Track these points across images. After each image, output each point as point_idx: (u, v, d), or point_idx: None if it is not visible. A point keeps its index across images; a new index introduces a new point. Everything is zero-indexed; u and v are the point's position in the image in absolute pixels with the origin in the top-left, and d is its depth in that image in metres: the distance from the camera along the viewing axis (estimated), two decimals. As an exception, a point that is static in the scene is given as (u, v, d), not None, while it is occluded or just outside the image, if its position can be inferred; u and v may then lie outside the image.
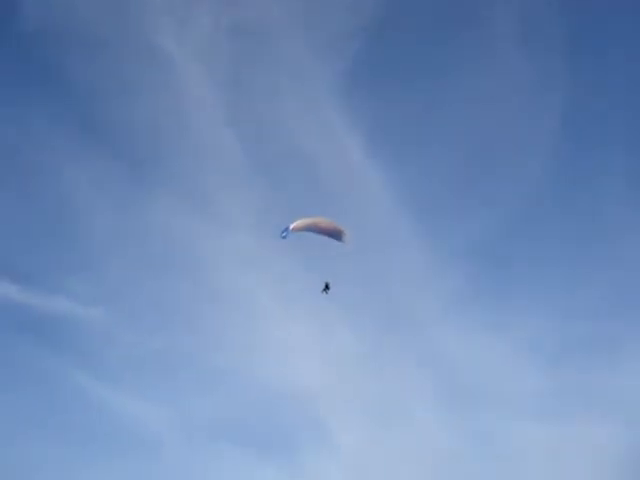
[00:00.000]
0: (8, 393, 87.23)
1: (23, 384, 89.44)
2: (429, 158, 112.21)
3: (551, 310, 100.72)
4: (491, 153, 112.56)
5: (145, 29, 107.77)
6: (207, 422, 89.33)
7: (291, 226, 38.59)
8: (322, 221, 39.14)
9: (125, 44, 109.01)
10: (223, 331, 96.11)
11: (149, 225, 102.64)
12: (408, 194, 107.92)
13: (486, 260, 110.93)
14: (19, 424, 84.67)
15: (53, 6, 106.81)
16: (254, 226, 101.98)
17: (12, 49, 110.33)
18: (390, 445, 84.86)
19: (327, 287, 44.99)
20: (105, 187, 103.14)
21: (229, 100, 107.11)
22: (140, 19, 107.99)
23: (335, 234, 39.69)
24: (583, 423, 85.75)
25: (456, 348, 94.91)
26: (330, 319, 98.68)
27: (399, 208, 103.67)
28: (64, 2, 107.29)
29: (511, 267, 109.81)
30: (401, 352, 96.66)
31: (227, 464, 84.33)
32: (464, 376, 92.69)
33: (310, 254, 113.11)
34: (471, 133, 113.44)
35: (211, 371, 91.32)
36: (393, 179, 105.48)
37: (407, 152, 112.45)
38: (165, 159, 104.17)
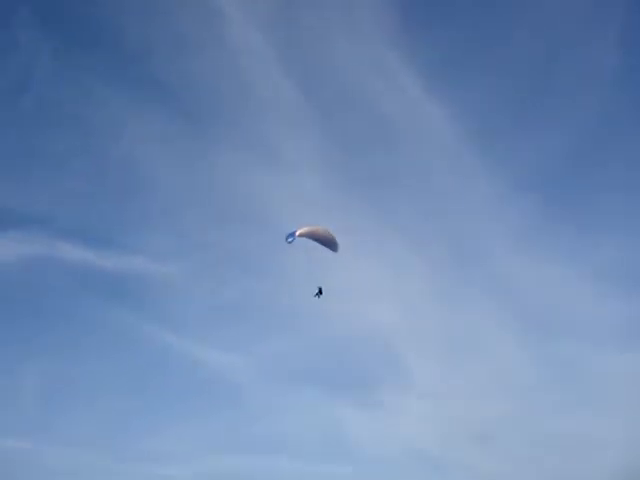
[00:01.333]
0: (96, 354, 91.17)
1: (108, 344, 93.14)
2: (489, 89, 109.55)
3: (627, 236, 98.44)
4: (553, 81, 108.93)
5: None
6: (286, 366, 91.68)
7: (297, 232, 41.66)
8: (321, 230, 42.25)
9: (179, 1, 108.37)
10: (295, 276, 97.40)
11: (215, 178, 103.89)
12: (469, 126, 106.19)
13: (554, 188, 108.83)
14: (107, 381, 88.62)
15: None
16: (318, 170, 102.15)
17: (70, 12, 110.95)
18: (467, 378, 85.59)
19: (320, 292, 46.43)
20: (169, 145, 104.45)
21: (282, 48, 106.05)
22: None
23: (330, 244, 42.87)
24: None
25: (530, 278, 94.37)
26: (400, 258, 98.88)
27: (461, 141, 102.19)
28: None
29: (582, 194, 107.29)
30: (474, 285, 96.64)
31: (307, 405, 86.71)
32: (540, 306, 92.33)
33: (375, 195, 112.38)
34: (532, 61, 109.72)
35: (286, 316, 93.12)
36: (453, 112, 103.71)
37: (466, 85, 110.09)
38: (225, 112, 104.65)
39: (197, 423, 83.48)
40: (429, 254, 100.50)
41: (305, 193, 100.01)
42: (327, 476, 77.30)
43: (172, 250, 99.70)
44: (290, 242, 42.05)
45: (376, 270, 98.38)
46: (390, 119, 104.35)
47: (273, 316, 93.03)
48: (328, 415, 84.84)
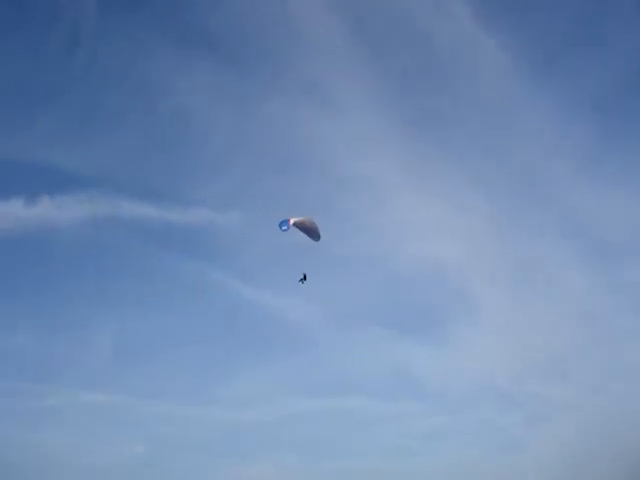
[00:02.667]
0: (166, 306, 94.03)
1: (177, 295, 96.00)
2: (543, 16, 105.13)
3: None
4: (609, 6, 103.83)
5: None
6: (352, 307, 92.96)
7: (291, 221, 44.38)
8: (309, 222, 45.58)
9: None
10: (355, 216, 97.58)
11: (268, 124, 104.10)
12: (525, 52, 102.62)
13: (615, 110, 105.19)
14: (178, 332, 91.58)
15: None
16: (372, 110, 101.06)
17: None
18: (534, 309, 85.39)
19: (304, 278, 48.90)
20: (220, 94, 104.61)
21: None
22: None
23: (314, 234, 46.20)
24: None
25: (595, 203, 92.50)
26: (461, 192, 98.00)
27: (516, 70, 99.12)
28: None
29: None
30: (537, 215, 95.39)
31: (375, 345, 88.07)
32: (606, 231, 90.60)
33: (432, 131, 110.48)
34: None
35: (349, 258, 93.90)
36: (507, 40, 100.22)
37: (519, 11, 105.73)
38: (274, 57, 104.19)
39: (270, 368, 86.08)
40: (490, 187, 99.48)
41: (360, 134, 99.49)
42: (398, 414, 79.22)
43: (232, 199, 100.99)
44: (285, 230, 44.29)
45: (438, 206, 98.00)
46: (443, 52, 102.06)
47: (336, 259, 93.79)
48: (397, 354, 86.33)
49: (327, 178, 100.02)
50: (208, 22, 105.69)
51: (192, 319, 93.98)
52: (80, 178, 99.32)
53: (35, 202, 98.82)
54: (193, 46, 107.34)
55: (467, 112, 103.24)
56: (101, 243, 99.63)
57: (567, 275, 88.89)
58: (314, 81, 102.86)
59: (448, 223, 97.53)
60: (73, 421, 78.83)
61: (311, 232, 45.91)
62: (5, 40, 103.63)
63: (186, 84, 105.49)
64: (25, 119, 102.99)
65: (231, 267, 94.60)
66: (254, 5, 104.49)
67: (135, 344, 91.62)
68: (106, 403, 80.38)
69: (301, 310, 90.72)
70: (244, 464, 75.80)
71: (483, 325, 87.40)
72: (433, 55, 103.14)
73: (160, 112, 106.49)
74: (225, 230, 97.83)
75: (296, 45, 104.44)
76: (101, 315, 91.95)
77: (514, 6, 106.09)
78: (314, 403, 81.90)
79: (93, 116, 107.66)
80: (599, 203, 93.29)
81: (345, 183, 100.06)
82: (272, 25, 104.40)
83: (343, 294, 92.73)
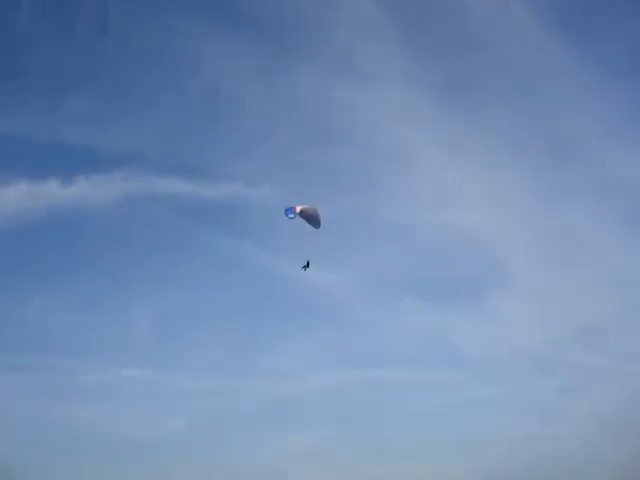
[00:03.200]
0: (204, 281, 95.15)
1: (216, 271, 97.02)
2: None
3: None
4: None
5: None
6: (388, 278, 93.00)
7: (297, 209, 46.26)
8: (312, 209, 47.29)
9: None
10: (394, 186, 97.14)
11: (299, 98, 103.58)
12: (557, 18, 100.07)
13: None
14: (217, 307, 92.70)
15: None
16: (405, 80, 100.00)
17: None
18: (572, 277, 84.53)
19: (307, 265, 49.60)
20: (252, 68, 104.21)
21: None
22: None
23: (315, 223, 47.84)
24: None
25: (629, 169, 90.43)
26: (496, 159, 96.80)
27: (551, 34, 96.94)
28: None
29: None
30: (573, 182, 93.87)
31: (413, 316, 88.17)
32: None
33: (465, 99, 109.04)
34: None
35: (385, 229, 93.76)
36: (537, 3, 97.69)
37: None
38: (305, 30, 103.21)
39: (305, 340, 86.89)
40: (526, 155, 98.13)
41: (393, 104, 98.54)
42: (435, 384, 79.49)
43: (265, 173, 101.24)
44: (291, 218, 45.93)
45: (473, 174, 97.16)
46: (473, 18, 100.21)
47: (371, 230, 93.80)
48: (432, 324, 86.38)
49: (360, 148, 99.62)
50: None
51: (228, 293, 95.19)
52: (114, 157, 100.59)
53: (71, 182, 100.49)
54: (224, 23, 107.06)
55: (500, 80, 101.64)
56: (137, 221, 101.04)
57: (604, 240, 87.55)
58: (346, 52, 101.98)
59: (483, 191, 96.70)
60: (114, 397, 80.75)
61: (312, 220, 47.65)
62: (38, 25, 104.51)
63: (217, 61, 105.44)
64: (59, 101, 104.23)
65: (265, 241, 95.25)
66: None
67: (173, 319, 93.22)
68: (146, 378, 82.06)
69: (335, 282, 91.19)
70: (283, 437, 77.05)
71: (519, 293, 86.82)
72: (462, 22, 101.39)
73: (192, 90, 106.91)
74: (259, 204, 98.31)
75: (328, 17, 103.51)
76: (139, 292, 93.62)
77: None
78: (351, 374, 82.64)
79: (126, 96, 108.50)
80: (636, 166, 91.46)
81: (379, 152, 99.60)
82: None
83: (377, 265, 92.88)
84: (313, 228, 47.77)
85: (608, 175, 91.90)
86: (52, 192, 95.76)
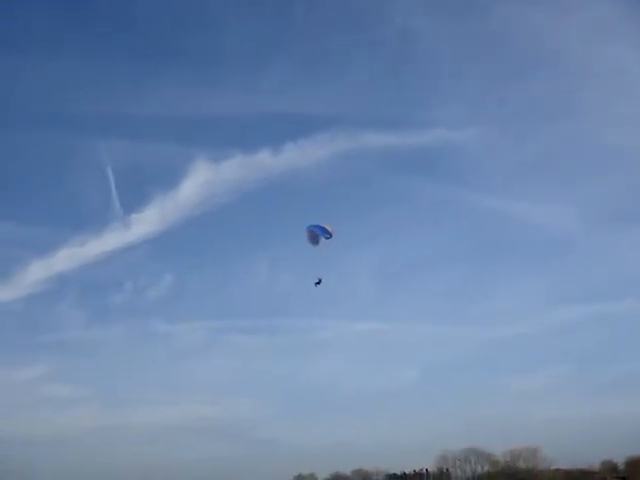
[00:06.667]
0: (416, 229, 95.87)
1: (429, 218, 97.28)
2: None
3: None
4: None
5: None
6: (615, 207, 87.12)
7: (329, 228, 51.40)
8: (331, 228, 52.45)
9: None
10: (599, 107, 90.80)
11: (495, 32, 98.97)
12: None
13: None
14: (433, 254, 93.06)
15: None
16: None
17: None
18: None
19: (319, 282, 53.39)
20: (441, 8, 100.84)
21: None
22: None
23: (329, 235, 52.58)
24: None
25: None
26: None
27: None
28: None
29: None
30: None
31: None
32: None
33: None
34: None
35: (599, 157, 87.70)
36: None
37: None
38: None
39: (529, 279, 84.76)
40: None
41: (599, 23, 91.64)
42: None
43: (466, 115, 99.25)
44: (328, 238, 50.00)
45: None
46: None
47: (583, 159, 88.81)
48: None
49: (563, 75, 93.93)
50: None
51: (443, 241, 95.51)
52: (318, 120, 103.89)
53: (280, 150, 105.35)
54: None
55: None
56: (348, 177, 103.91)
57: None
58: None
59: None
60: (346, 351, 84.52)
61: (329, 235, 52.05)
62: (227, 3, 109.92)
63: (406, 6, 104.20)
64: (258, 73, 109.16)
65: (475, 183, 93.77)
66: None
67: (394, 271, 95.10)
68: (375, 331, 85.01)
69: (555, 216, 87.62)
70: (517, 379, 76.39)
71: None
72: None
73: (385, 40, 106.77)
74: (462, 147, 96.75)
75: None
76: (361, 246, 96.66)
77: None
78: (580, 310, 79.47)
79: (320, 60, 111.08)
80: None
81: (585, 74, 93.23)
82: None
83: (598, 194, 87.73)
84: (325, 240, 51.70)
85: None
86: (264, 161, 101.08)
